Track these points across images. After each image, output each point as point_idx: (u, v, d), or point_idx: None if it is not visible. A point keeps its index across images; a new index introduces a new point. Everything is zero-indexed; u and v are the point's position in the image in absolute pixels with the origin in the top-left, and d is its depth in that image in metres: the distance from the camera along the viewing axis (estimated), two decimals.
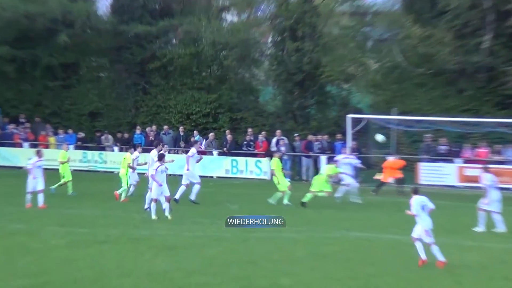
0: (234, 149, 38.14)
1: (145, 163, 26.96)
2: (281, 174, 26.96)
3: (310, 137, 37.29)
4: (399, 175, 30.16)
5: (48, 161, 28.92)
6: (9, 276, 14.44)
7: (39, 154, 25.16)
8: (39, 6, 41.21)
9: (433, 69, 37.32)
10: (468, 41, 36.08)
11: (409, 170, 32.41)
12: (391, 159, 30.41)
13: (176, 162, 28.01)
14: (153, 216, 22.12)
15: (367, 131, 35.02)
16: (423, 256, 15.70)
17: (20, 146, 40.92)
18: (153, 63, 42.70)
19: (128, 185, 26.96)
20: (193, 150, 26.79)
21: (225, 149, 37.99)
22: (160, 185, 22.24)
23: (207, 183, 27.10)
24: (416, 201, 15.98)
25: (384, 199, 28.20)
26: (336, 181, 27.89)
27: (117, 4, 43.53)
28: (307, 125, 39.77)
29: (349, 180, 28.18)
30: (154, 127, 40.44)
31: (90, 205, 25.31)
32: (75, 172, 29.05)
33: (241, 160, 37.23)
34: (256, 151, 37.66)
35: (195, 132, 39.29)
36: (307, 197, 26.11)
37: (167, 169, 23.10)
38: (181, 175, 26.56)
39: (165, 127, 40.20)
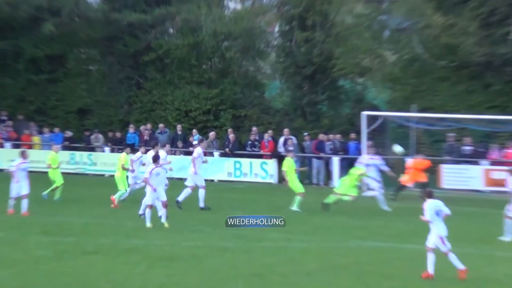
0: (237, 150, 38.14)
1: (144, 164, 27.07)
2: (295, 176, 26.88)
3: (321, 136, 37.24)
4: (424, 178, 29.98)
5: (32, 163, 28.79)
6: None
7: (23, 155, 25.00)
8: None
9: (456, 62, 37.26)
10: (495, 31, 36.01)
11: (431, 172, 32.30)
12: (415, 158, 30.24)
13: (173, 164, 27.96)
14: (148, 224, 22.05)
15: (384, 130, 34.95)
16: (430, 270, 15.66)
17: (1, 146, 41.00)
18: (148, 55, 42.69)
19: (127, 188, 27.04)
20: (198, 151, 26.72)
21: (227, 149, 37.97)
22: (155, 189, 22.18)
23: (208, 188, 27.02)
24: (430, 205, 15.91)
25: (403, 205, 28.08)
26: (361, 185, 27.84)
27: None
28: (317, 123, 39.77)
29: (374, 185, 27.95)
30: (149, 126, 40.46)
31: (78, 212, 25.22)
32: (61, 175, 28.97)
33: (245, 162, 37.21)
34: (261, 152, 37.65)
35: (194, 131, 39.27)
36: (331, 199, 26.16)
37: (171, 169, 23.03)
38: (180, 179, 26.50)
39: (161, 125, 40.17)
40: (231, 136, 38.35)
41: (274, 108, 42.16)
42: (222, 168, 37.33)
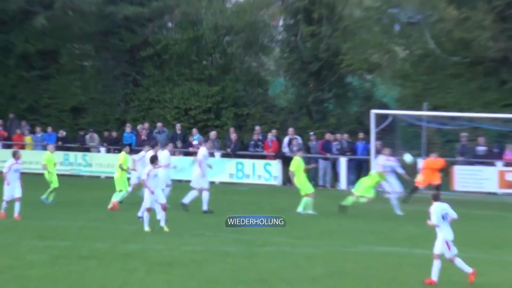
0: (239, 150, 38.20)
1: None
2: (304, 176, 26.98)
3: (327, 136, 37.28)
4: (438, 180, 29.98)
5: (24, 164, 28.93)
6: None
7: (16, 156, 24.95)
8: None
9: (470, 57, 37.29)
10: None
11: (444, 174, 32.32)
12: (430, 157, 30.24)
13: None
14: (146, 228, 22.13)
15: (394, 129, 35.01)
16: (434, 276, 15.72)
17: None
18: (145, 51, 42.77)
19: (127, 189, 27.30)
20: (203, 152, 26.78)
21: (229, 150, 38.05)
22: (152, 192, 22.25)
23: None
24: (437, 209, 16.02)
25: (415, 208, 28.13)
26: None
27: None
28: (324, 122, 39.82)
29: (393, 188, 28.08)
30: (146, 125, 40.46)
31: (73, 215, 25.28)
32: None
33: (247, 162, 37.31)
34: (264, 153, 37.71)
35: (194, 130, 39.33)
36: (348, 201, 26.34)
37: (175, 167, 23.08)
38: (180, 181, 26.62)
39: (159, 124, 40.20)
40: (233, 135, 38.39)
41: (278, 106, 42.19)
42: (224, 169, 37.35)
